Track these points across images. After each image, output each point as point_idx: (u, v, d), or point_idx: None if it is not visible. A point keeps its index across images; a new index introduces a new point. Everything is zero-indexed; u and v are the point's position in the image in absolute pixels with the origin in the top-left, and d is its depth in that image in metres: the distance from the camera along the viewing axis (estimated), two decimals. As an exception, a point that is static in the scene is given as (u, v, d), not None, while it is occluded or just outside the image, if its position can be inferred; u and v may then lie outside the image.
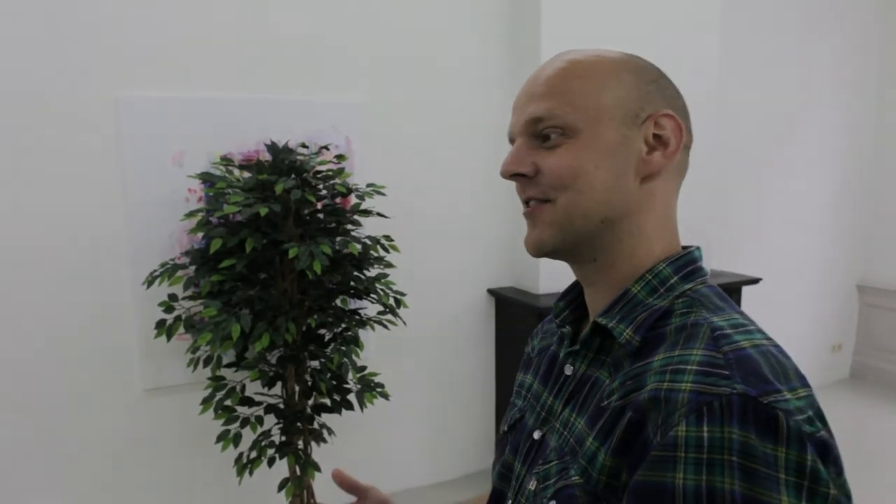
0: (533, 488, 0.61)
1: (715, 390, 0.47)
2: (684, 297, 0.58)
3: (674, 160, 0.61)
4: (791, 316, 3.92)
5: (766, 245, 3.75)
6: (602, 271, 0.63)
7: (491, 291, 2.95)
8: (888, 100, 3.97)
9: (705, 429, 0.46)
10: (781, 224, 3.79)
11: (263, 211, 1.84)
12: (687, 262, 0.61)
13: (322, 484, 2.71)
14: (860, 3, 3.83)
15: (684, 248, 0.64)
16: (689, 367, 0.50)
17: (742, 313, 0.58)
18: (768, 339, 0.54)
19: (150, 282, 2.00)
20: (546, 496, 0.58)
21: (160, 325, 2.05)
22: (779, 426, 0.45)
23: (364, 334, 2.69)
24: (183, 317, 2.07)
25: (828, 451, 0.47)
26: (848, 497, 0.48)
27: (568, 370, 0.65)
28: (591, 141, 0.59)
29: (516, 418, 0.73)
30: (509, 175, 0.64)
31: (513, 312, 2.87)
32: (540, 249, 0.64)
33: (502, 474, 0.72)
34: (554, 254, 0.63)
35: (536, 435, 0.66)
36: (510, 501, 0.68)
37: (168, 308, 2.06)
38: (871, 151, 4.08)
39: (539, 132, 0.61)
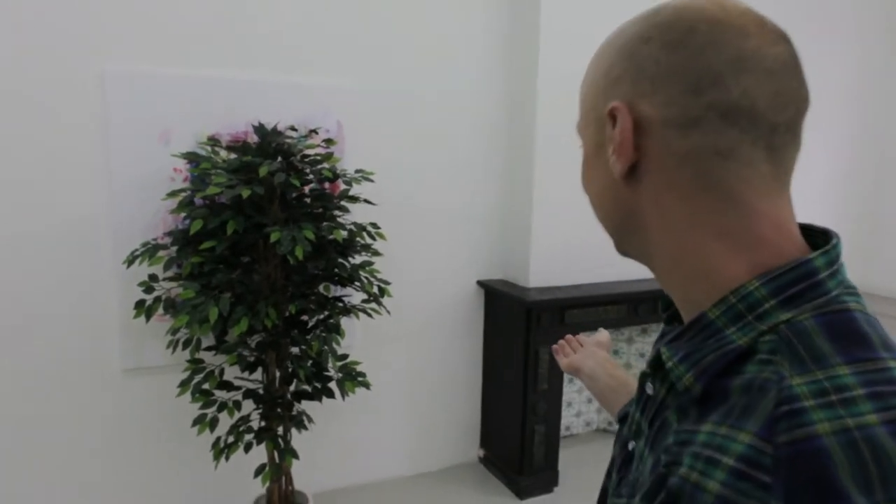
0: None
1: (743, 503, 0.37)
2: (773, 334, 0.42)
3: (631, 157, 0.49)
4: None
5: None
6: (665, 286, 0.53)
7: (480, 283, 2.91)
8: (895, 106, 3.90)
9: None
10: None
11: (246, 193, 1.80)
12: (796, 279, 0.43)
13: (300, 471, 2.70)
14: (869, 9, 3.75)
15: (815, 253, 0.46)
16: (724, 460, 0.39)
17: (868, 363, 0.39)
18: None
19: (130, 261, 1.97)
20: None
21: (139, 305, 2.02)
22: None
23: (350, 323, 2.67)
24: (163, 298, 2.04)
25: None
26: None
27: (649, 389, 0.54)
28: (584, 150, 0.56)
29: (627, 411, 0.69)
30: None
31: (502, 305, 2.84)
32: None
33: (609, 468, 0.65)
34: (630, 258, 0.58)
35: (630, 446, 0.58)
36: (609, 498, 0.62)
37: (148, 288, 2.03)
38: (874, 157, 4.02)
39: None
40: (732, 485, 0.37)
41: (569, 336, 1.11)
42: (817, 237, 0.49)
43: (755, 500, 0.36)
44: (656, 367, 0.51)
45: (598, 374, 0.96)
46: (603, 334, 1.07)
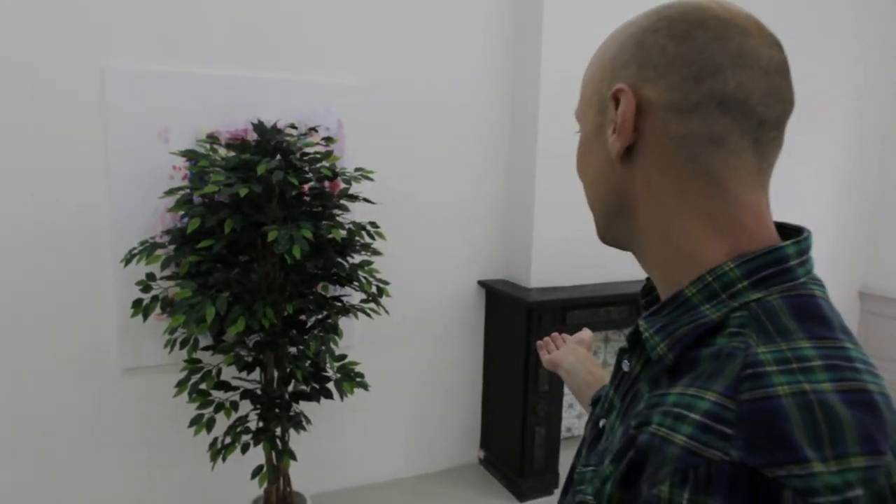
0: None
1: (706, 452, 0.40)
2: (743, 310, 0.46)
3: (630, 138, 0.52)
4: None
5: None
6: (647, 268, 0.57)
7: (481, 283, 2.89)
8: (900, 104, 3.87)
9: (686, 495, 0.40)
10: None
11: (243, 191, 1.79)
12: (768, 263, 0.47)
13: (298, 472, 2.68)
14: (873, 10, 3.72)
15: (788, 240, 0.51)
16: (691, 416, 0.42)
17: (827, 341, 0.44)
18: (849, 380, 0.41)
19: (127, 260, 1.95)
20: (573, 501, 0.56)
21: (136, 304, 2.00)
22: None
23: (349, 322, 2.65)
24: (160, 297, 2.02)
25: None
26: None
27: (625, 366, 0.58)
28: (582, 134, 0.59)
29: (599, 395, 0.73)
30: None
31: (503, 305, 2.81)
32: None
33: (579, 448, 0.68)
34: (610, 245, 0.62)
35: (601, 423, 0.61)
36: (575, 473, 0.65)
37: (145, 287, 2.02)
38: (876, 158, 3.99)
39: None
40: (698, 437, 0.40)
41: (554, 334, 1.15)
42: (790, 234, 0.53)
43: (717, 449, 0.39)
44: (634, 341, 0.55)
45: (577, 370, 1.01)
46: (585, 333, 1.11)
